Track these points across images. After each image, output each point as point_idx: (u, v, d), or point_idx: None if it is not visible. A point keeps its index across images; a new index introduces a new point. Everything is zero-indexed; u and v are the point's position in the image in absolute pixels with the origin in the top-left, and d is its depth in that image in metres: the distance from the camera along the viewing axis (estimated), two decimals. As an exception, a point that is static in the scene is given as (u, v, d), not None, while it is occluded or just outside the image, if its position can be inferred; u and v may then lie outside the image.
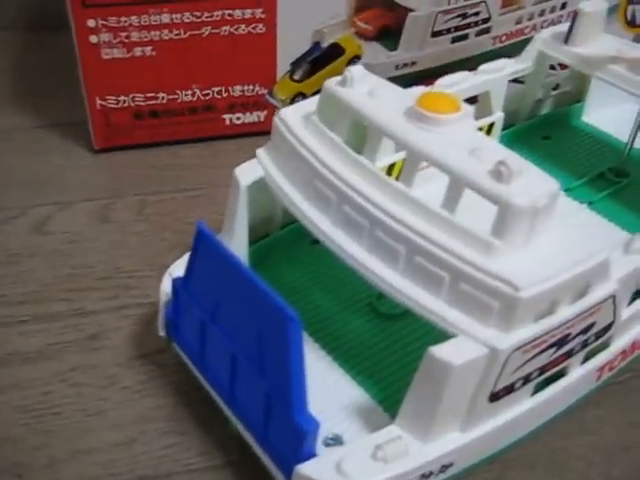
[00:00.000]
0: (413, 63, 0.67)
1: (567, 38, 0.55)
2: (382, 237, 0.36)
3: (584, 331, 0.37)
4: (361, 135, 0.40)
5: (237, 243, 0.45)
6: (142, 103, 0.63)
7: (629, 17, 0.51)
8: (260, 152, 0.44)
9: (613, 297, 0.37)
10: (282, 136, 0.42)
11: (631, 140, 0.58)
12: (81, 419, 0.43)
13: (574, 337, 0.37)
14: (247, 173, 0.44)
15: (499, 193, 0.33)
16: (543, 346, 0.35)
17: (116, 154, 0.66)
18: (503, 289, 0.33)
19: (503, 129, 0.61)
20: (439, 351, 0.33)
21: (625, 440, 0.43)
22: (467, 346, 0.33)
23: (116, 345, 0.48)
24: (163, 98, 0.63)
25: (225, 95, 0.65)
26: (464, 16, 0.66)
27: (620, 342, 0.41)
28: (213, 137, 0.67)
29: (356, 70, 0.40)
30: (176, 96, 0.64)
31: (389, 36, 0.65)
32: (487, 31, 0.68)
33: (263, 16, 0.61)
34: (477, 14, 0.66)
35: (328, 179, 0.39)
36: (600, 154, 0.60)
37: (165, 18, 0.60)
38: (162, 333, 0.44)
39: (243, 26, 0.62)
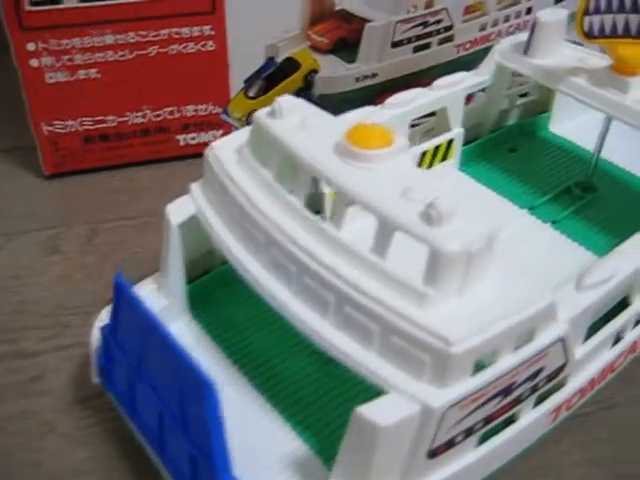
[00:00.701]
0: (374, 75, 0.64)
1: (526, 49, 0.53)
2: (311, 284, 0.34)
3: (532, 377, 0.35)
4: (292, 170, 0.38)
5: (173, 283, 0.43)
6: (91, 127, 0.61)
7: (586, 28, 0.48)
8: (194, 187, 0.42)
9: (562, 340, 0.35)
10: (213, 171, 0.40)
11: (597, 153, 0.55)
12: (15, 474, 0.41)
13: (520, 384, 0.34)
14: (179, 210, 0.41)
15: (429, 238, 0.31)
16: (484, 398, 0.33)
17: (67, 180, 0.64)
18: (434, 344, 0.30)
19: (467, 143, 0.58)
20: (367, 410, 0.31)
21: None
22: (397, 404, 0.31)
23: (55, 389, 0.46)
24: (113, 121, 0.61)
25: (178, 115, 0.62)
26: (425, 25, 0.63)
27: (576, 381, 0.39)
28: (168, 158, 0.65)
29: (286, 101, 0.38)
30: (126, 118, 0.61)
31: (346, 48, 0.62)
32: (450, 39, 0.65)
33: (212, 33, 0.59)
34: (438, 22, 0.64)
35: (256, 220, 0.36)
36: (567, 167, 0.57)
37: (109, 39, 0.57)
38: (96, 380, 0.42)
39: (192, 44, 0.59)
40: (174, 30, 0.58)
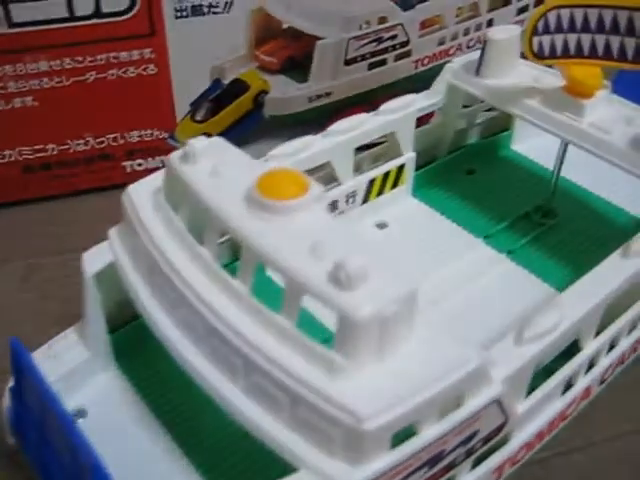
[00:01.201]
0: (328, 94, 0.61)
1: (478, 69, 0.50)
2: (219, 347, 0.31)
3: (465, 442, 0.32)
4: (204, 220, 0.35)
5: (94, 333, 0.40)
6: (30, 156, 0.58)
7: (535, 48, 0.45)
8: (112, 233, 0.39)
9: (497, 401, 0.32)
10: (127, 216, 0.37)
11: (556, 176, 0.52)
12: None
13: (452, 451, 0.32)
14: (95, 259, 0.38)
15: (337, 303, 0.28)
16: (408, 471, 0.30)
17: (9, 211, 0.61)
18: (345, 419, 0.27)
19: (423, 166, 0.56)
20: (274, 494, 0.28)
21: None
22: (307, 485, 0.28)
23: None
24: (53, 149, 0.58)
25: (122, 142, 0.59)
26: (379, 41, 0.60)
27: (521, 436, 0.36)
28: (116, 186, 0.62)
29: (199, 143, 0.35)
30: (67, 146, 0.58)
31: (296, 68, 0.59)
32: (407, 55, 0.62)
33: (153, 56, 0.56)
34: (394, 38, 0.61)
35: (166, 273, 0.34)
36: (527, 189, 0.55)
37: (43, 66, 0.54)
38: (11, 440, 0.40)
39: (132, 68, 0.56)
40: (112, 54, 0.55)
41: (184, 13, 0.55)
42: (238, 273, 0.32)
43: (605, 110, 0.46)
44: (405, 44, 0.62)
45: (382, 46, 0.61)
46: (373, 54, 0.61)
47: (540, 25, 0.44)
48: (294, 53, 0.59)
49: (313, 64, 0.59)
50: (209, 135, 0.63)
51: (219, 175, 0.34)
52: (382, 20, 0.60)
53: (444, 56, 0.63)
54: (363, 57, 0.61)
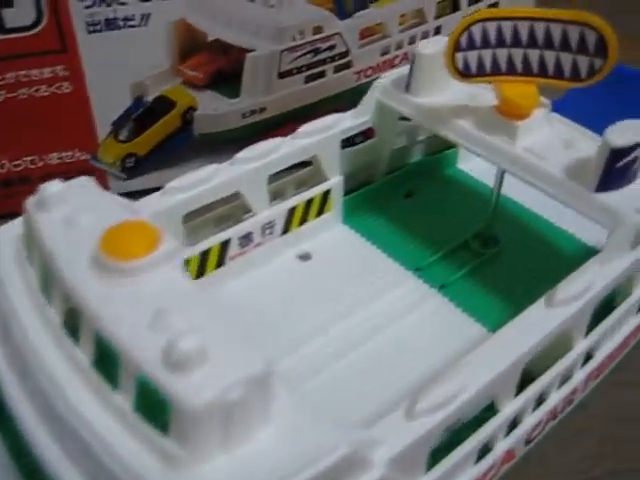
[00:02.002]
0: (262, 109, 0.57)
1: (407, 85, 0.46)
2: (62, 428, 0.27)
3: (344, 531, 0.29)
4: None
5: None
6: (-57, 181, 0.55)
7: (460, 66, 0.41)
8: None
9: (379, 484, 0.28)
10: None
11: (495, 200, 0.47)
12: None
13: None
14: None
15: (169, 387, 0.24)
16: None
17: None
18: (177, 523, 0.24)
19: (358, 188, 0.52)
20: None
21: None
22: None
23: None
24: (-33, 174, 0.55)
25: (40, 164, 0.56)
26: (316, 52, 0.56)
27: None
28: (39, 210, 0.59)
29: (54, 187, 0.31)
30: (-18, 170, 0.55)
31: (226, 82, 0.55)
32: (347, 66, 0.57)
33: (66, 73, 0.52)
34: (332, 48, 0.56)
35: (16, 337, 0.30)
36: (470, 213, 0.50)
37: (-52, 86, 0.51)
38: None
39: (44, 87, 0.52)
40: (22, 72, 0.51)
41: (97, 27, 0.51)
42: (80, 342, 0.28)
43: (542, 132, 0.42)
44: (344, 55, 0.57)
45: (319, 57, 0.56)
46: (310, 66, 0.56)
47: (463, 40, 0.40)
48: (222, 67, 0.55)
49: (244, 78, 0.55)
50: (136, 155, 0.61)
51: (72, 225, 0.30)
52: (317, 30, 0.55)
53: (388, 66, 0.58)
54: (299, 69, 0.56)
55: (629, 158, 0.38)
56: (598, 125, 0.51)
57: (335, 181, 0.47)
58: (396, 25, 0.57)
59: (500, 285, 0.45)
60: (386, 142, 0.50)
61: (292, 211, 0.46)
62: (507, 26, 0.40)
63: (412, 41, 0.58)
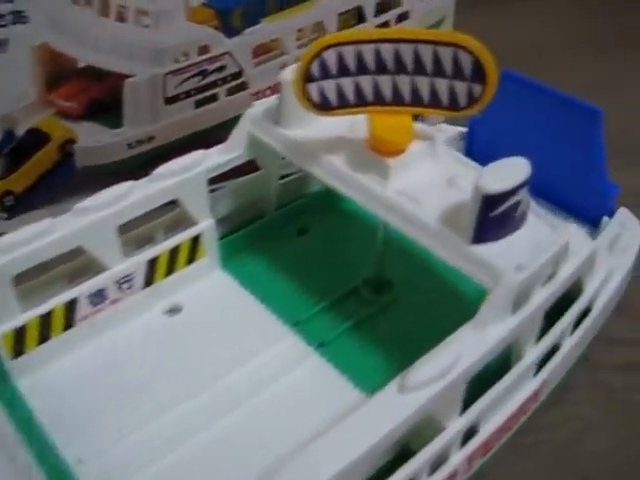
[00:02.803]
0: (150, 138, 0.52)
1: (277, 116, 0.41)
2: None
3: None
4: None
5: None
6: None
7: (316, 98, 0.35)
8: None
9: None
10: None
11: (382, 241, 0.42)
12: None
13: None
14: None
15: None
16: None
17: None
18: None
19: (248, 224, 0.46)
20: None
21: None
22: None
23: None
24: None
25: None
26: (204, 74, 0.50)
27: None
28: None
29: None
30: None
31: (104, 111, 0.50)
32: (242, 87, 0.52)
33: None
34: (222, 69, 0.51)
35: None
36: (366, 253, 0.43)
37: None
38: None
39: None
40: None
41: (-50, 57, 0.47)
42: None
43: (422, 169, 0.36)
44: (238, 75, 0.52)
45: (209, 79, 0.51)
46: (199, 89, 0.51)
47: (314, 69, 0.34)
48: (98, 95, 0.49)
49: (124, 107, 0.49)
50: (13, 192, 0.56)
51: None
52: (204, 50, 0.50)
53: (290, 86, 0.53)
54: (187, 94, 0.51)
55: (507, 205, 0.32)
56: (515, 145, 0.46)
57: (205, 225, 0.42)
58: (293, 40, 0.52)
59: (389, 340, 0.39)
60: (271, 174, 0.45)
61: (154, 261, 0.41)
62: (368, 50, 0.34)
63: (314, 57, 0.53)
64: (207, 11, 0.48)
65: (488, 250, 0.32)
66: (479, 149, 0.50)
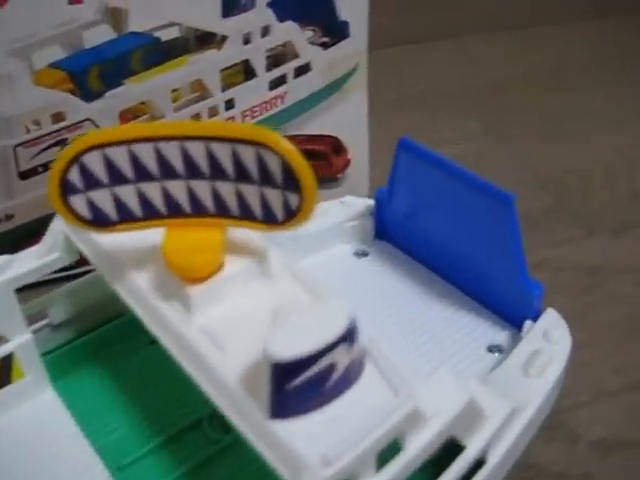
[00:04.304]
0: (9, 217, 0.45)
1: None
2: None
3: None
4: None
5: None
6: None
7: (86, 213, 0.26)
8: None
9: None
10: None
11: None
12: None
13: None
14: None
15: None
16: None
17: None
18: None
19: (91, 330, 0.38)
20: None
21: None
22: None
23: None
24: None
25: None
26: (63, 144, 0.43)
27: None
28: None
29: None
30: None
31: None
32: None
33: None
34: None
35: None
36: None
37: None
38: None
39: None
40: None
41: None
42: None
43: (240, 298, 0.28)
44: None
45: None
46: (60, 161, 0.45)
47: (74, 178, 0.26)
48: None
49: (-29, 183, 0.44)
50: None
51: None
52: (58, 117, 0.43)
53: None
54: (45, 167, 0.44)
55: (310, 373, 0.23)
56: (426, 227, 0.37)
57: (20, 341, 0.35)
58: (168, 102, 0.44)
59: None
60: (112, 275, 0.38)
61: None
62: (146, 150, 0.26)
63: (196, 119, 0.46)
64: (56, 73, 0.41)
65: (291, 428, 0.24)
66: (390, 228, 0.42)
